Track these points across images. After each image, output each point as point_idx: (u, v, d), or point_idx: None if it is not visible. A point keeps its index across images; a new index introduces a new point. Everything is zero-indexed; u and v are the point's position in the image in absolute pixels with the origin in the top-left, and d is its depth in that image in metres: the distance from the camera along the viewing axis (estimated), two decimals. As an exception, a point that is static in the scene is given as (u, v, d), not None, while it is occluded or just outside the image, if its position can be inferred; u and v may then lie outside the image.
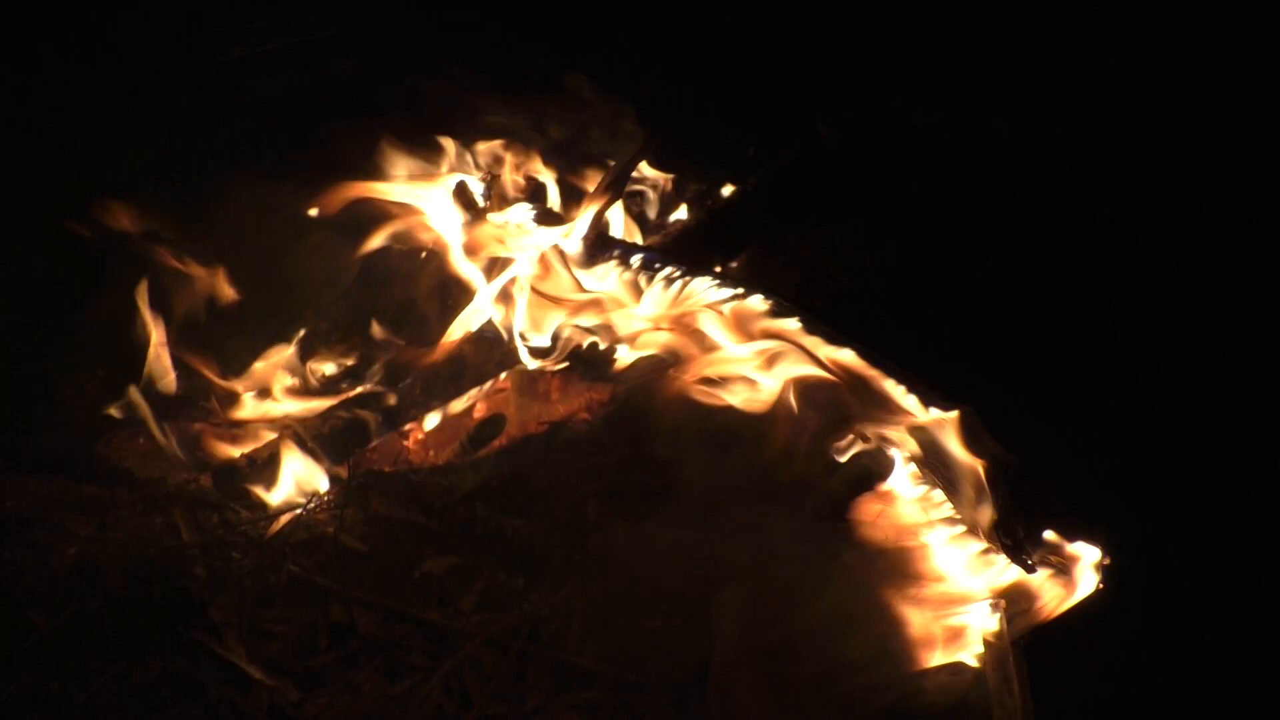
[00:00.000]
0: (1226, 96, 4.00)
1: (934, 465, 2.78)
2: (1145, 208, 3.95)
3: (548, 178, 3.75)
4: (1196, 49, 4.05)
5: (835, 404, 2.95)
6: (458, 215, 3.50)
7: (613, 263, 3.35)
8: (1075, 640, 2.61)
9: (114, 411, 3.29)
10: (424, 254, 3.59)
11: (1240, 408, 3.31)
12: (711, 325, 3.15)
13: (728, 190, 4.02)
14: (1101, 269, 3.84)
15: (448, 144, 3.69)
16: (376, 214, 3.53)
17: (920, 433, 2.79)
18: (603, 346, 3.44)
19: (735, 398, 3.12)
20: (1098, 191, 4.08)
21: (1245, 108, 3.97)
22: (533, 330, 3.42)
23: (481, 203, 3.53)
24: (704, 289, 3.17)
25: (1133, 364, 3.49)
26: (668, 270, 3.26)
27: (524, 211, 3.48)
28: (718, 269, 3.40)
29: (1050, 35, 4.27)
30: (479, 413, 3.47)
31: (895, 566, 2.76)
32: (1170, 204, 3.91)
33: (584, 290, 3.38)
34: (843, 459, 2.98)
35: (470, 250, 3.48)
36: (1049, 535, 2.63)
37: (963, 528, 2.74)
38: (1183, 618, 2.75)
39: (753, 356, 3.06)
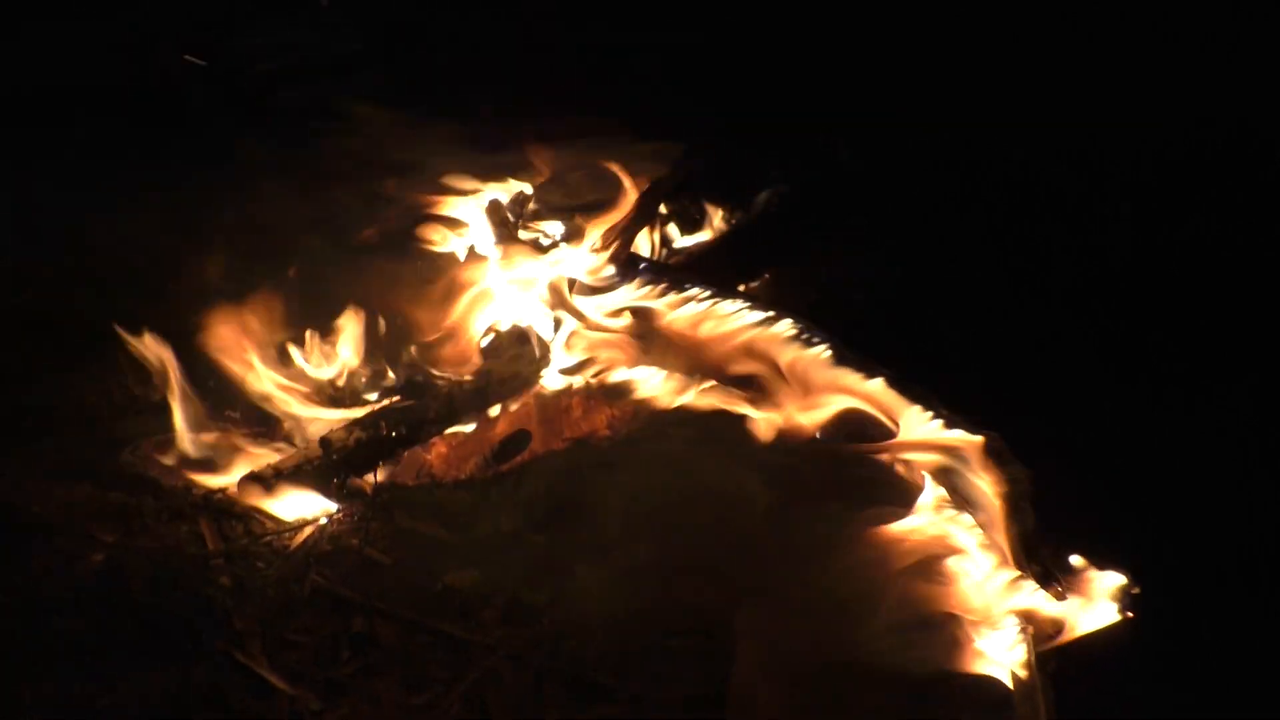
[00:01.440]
0: (1226, 97, 4.01)
1: (962, 491, 2.81)
2: (1145, 208, 3.95)
3: (578, 198, 3.75)
4: (1196, 49, 4.05)
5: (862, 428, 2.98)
6: (489, 231, 3.50)
7: (641, 282, 3.37)
8: (1099, 664, 2.64)
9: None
10: (455, 267, 3.59)
11: (1240, 408, 3.34)
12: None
13: (749, 211, 4.04)
14: (1101, 269, 3.85)
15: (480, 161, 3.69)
16: (407, 226, 3.54)
17: (947, 458, 2.82)
18: (626, 364, 3.45)
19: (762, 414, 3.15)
20: (1097, 191, 4.09)
21: (1245, 108, 3.97)
22: (561, 346, 3.44)
23: (513, 219, 3.54)
24: (732, 310, 3.20)
25: (1133, 364, 3.51)
26: (695, 290, 3.28)
27: (555, 229, 3.49)
28: (741, 289, 3.40)
29: (1050, 36, 4.28)
30: (503, 428, 3.49)
31: (922, 589, 2.79)
32: (1170, 204, 3.92)
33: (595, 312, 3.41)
34: (872, 480, 3.00)
35: (501, 266, 3.49)
36: (1076, 562, 2.66)
37: (991, 553, 2.77)
38: (1186, 620, 2.78)
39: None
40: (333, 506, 3.17)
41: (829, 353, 3.07)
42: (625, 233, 3.44)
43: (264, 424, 3.42)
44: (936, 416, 2.89)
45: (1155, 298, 3.73)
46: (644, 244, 3.76)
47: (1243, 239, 3.79)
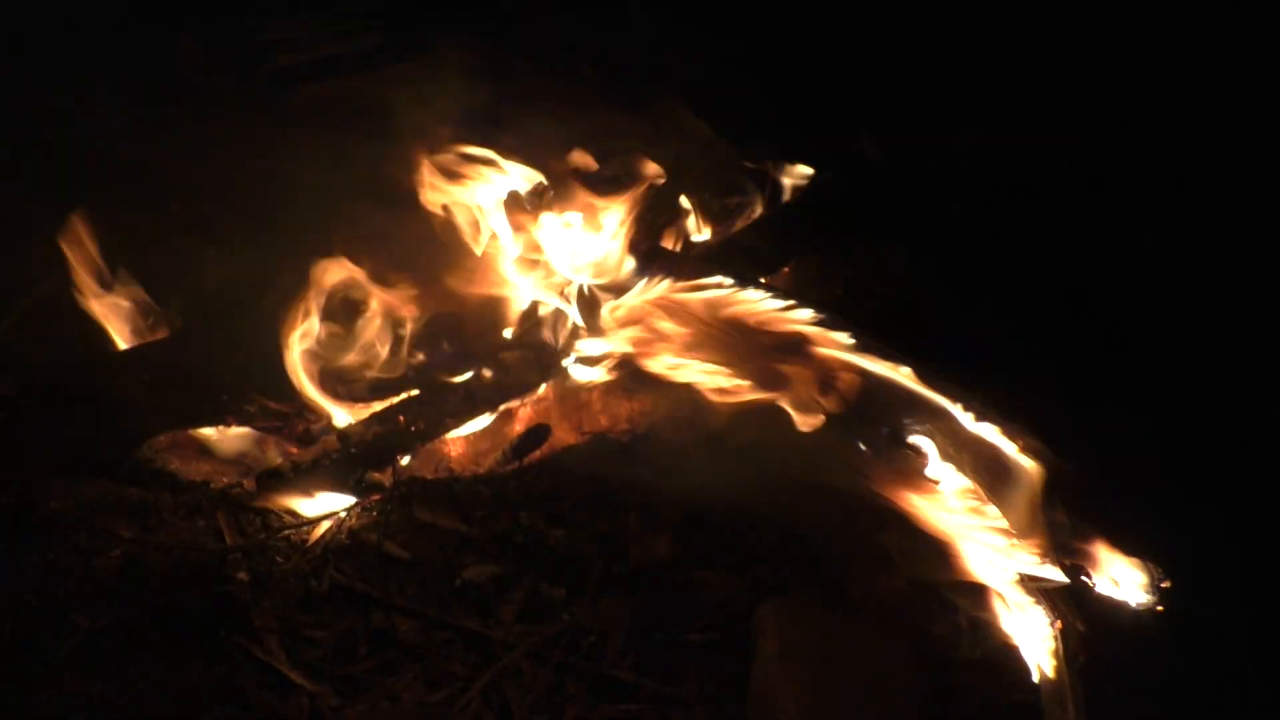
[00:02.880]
0: (1228, 97, 3.97)
1: (990, 480, 2.78)
2: (1153, 208, 3.92)
3: (598, 189, 3.75)
4: (1198, 50, 4.02)
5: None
6: (508, 222, 3.50)
7: (662, 271, 3.36)
8: (1129, 660, 2.60)
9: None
10: (472, 259, 3.58)
11: (1241, 407, 3.30)
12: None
13: (770, 204, 4.02)
14: (1115, 266, 3.81)
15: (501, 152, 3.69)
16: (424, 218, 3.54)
17: (974, 447, 2.79)
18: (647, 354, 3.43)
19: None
20: (1117, 189, 4.05)
21: (1247, 109, 3.93)
22: (580, 337, 3.42)
23: (531, 210, 3.52)
24: (754, 298, 3.18)
25: (1133, 365, 3.48)
26: (716, 279, 3.26)
27: (575, 219, 3.48)
28: (763, 280, 3.38)
29: (1055, 37, 4.26)
30: (522, 422, 3.48)
31: (944, 577, 2.77)
32: (1177, 204, 3.88)
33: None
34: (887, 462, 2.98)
35: (518, 257, 3.48)
36: (1105, 553, 2.63)
37: (1014, 540, 2.74)
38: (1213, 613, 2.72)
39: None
40: (351, 501, 3.16)
41: (852, 342, 3.04)
42: (645, 223, 3.43)
43: (280, 419, 3.41)
44: (967, 409, 2.85)
45: (1159, 298, 3.69)
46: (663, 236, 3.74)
47: (1244, 238, 3.75)
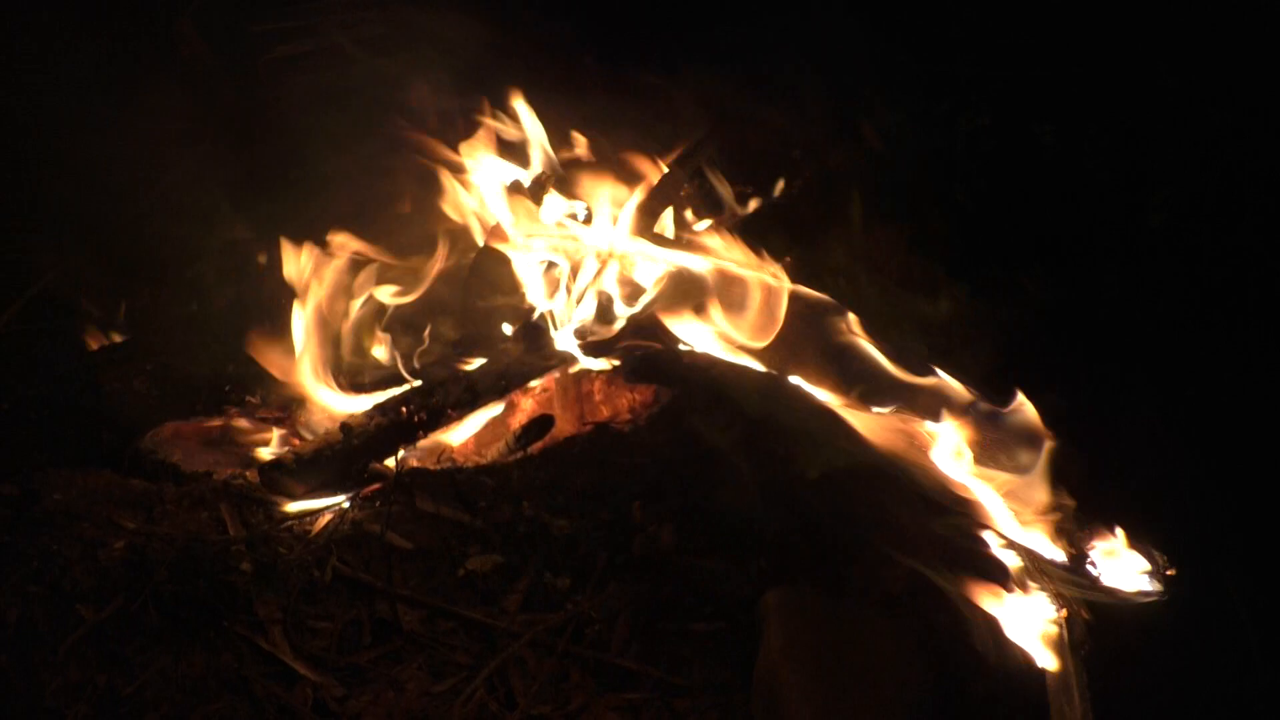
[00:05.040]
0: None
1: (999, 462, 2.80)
2: (1195, 215, 3.91)
3: (600, 178, 3.74)
4: (1242, 55, 4.01)
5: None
6: (510, 211, 3.49)
7: (664, 260, 3.36)
8: (1134, 649, 2.59)
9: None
10: (475, 248, 3.58)
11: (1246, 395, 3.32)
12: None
13: (774, 191, 4.02)
14: (1151, 274, 3.81)
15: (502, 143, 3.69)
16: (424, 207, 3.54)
17: (980, 430, 2.80)
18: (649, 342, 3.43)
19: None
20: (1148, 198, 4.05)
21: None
22: (582, 326, 3.43)
23: (534, 198, 3.53)
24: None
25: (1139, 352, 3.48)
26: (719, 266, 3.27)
27: (578, 208, 3.48)
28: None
29: (1098, 38, 4.24)
30: (524, 412, 3.48)
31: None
32: (1219, 211, 3.87)
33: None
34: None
35: (521, 245, 3.48)
36: (1110, 541, 2.63)
37: (1024, 529, 2.74)
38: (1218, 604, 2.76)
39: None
40: (353, 492, 3.15)
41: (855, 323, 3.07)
42: (647, 213, 3.43)
43: (283, 410, 3.41)
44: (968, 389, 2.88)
45: (1201, 304, 3.69)
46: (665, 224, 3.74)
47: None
